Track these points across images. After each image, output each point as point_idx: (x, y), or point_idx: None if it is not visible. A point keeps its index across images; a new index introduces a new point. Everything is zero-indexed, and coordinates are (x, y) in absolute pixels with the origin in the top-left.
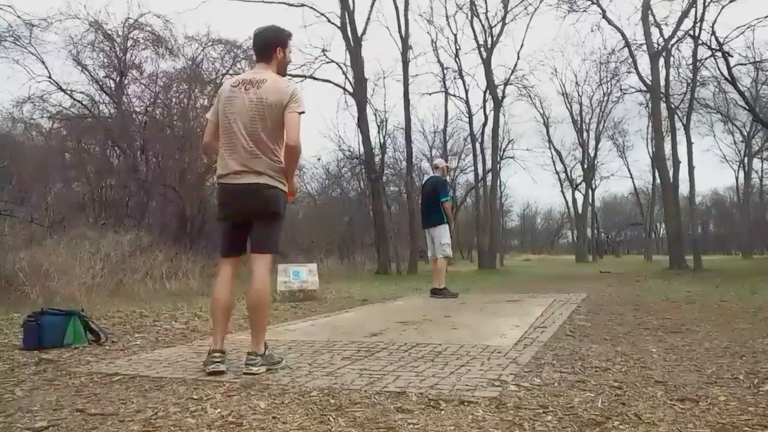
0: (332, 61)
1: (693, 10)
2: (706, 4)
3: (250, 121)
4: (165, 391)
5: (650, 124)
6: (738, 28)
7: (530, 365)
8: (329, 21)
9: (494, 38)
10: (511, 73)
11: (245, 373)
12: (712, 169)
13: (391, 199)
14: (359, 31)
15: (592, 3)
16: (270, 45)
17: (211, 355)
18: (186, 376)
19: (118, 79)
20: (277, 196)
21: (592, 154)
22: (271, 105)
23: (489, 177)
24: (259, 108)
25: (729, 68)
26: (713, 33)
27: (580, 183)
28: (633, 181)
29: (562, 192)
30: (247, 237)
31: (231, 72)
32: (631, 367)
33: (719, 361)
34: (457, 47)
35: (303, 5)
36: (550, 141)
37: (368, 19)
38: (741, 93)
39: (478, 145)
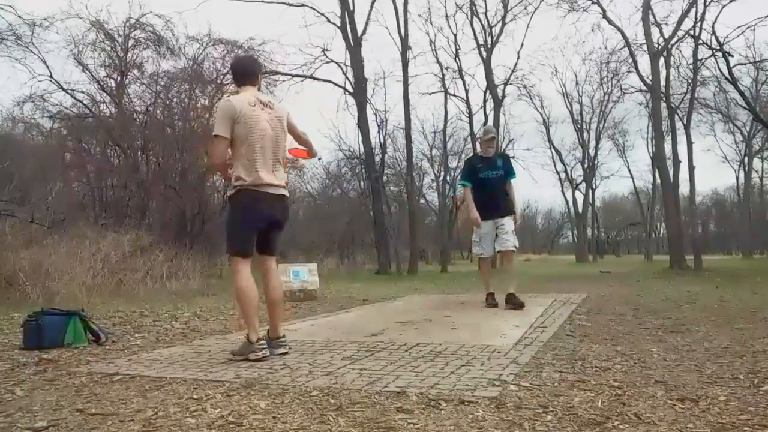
0: (332, 61)
1: (693, 10)
2: (707, 3)
3: (276, 138)
4: (165, 391)
5: (650, 123)
6: (738, 27)
7: (530, 365)
8: (329, 21)
9: (494, 38)
10: (511, 73)
11: (282, 353)
12: (712, 168)
13: (391, 199)
14: (359, 31)
15: (593, 2)
16: (258, 71)
17: (255, 344)
18: (186, 375)
19: (119, 78)
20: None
21: (592, 154)
22: (285, 122)
23: None
24: (281, 126)
25: (729, 68)
26: (713, 33)
27: (581, 183)
28: (633, 181)
29: (563, 192)
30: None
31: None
32: (631, 366)
33: (719, 361)
34: (457, 47)
35: (303, 5)
36: (550, 141)
37: (368, 19)
38: (741, 93)
39: (478, 145)
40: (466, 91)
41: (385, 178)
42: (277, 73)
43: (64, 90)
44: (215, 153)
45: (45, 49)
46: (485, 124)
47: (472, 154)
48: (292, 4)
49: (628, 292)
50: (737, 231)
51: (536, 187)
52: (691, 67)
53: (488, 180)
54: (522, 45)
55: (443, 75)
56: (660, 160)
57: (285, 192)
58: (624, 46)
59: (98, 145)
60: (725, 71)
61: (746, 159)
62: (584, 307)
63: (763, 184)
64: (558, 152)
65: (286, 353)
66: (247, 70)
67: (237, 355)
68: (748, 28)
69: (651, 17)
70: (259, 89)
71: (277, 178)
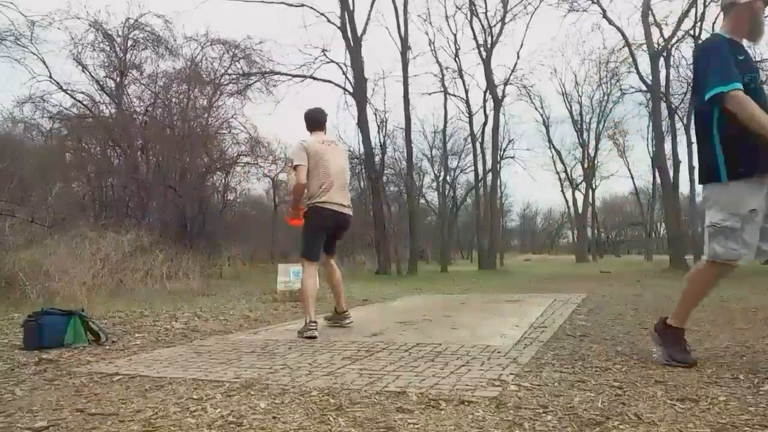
0: (332, 61)
1: (693, 10)
2: (706, 3)
3: (342, 168)
4: (165, 391)
5: (650, 124)
6: None
7: (530, 365)
8: (329, 21)
9: (494, 38)
10: (511, 73)
11: (348, 323)
12: None
13: (391, 199)
14: (359, 31)
15: (593, 2)
16: (325, 120)
17: (309, 324)
18: (186, 375)
19: (118, 79)
20: None
21: (592, 154)
22: (347, 156)
23: (489, 177)
24: (345, 159)
25: None
26: None
27: (581, 183)
28: (633, 181)
29: (563, 192)
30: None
31: (230, 71)
32: (631, 366)
33: (719, 361)
34: (457, 47)
35: (303, 5)
36: (550, 141)
37: (368, 19)
38: None
39: (478, 145)
40: (466, 91)
41: (385, 178)
42: (277, 73)
43: (63, 90)
44: (298, 177)
45: (44, 49)
46: (485, 123)
47: (716, 34)
48: (291, 5)
49: (628, 292)
50: None
51: (536, 187)
52: (690, 67)
53: (756, 93)
54: (522, 45)
55: (443, 75)
56: (660, 160)
57: (347, 211)
58: (624, 46)
59: (98, 145)
60: None
61: None
62: (584, 307)
63: None
64: (558, 152)
65: (351, 323)
66: (316, 120)
67: (299, 332)
68: None
69: (651, 17)
70: (325, 132)
71: (342, 198)
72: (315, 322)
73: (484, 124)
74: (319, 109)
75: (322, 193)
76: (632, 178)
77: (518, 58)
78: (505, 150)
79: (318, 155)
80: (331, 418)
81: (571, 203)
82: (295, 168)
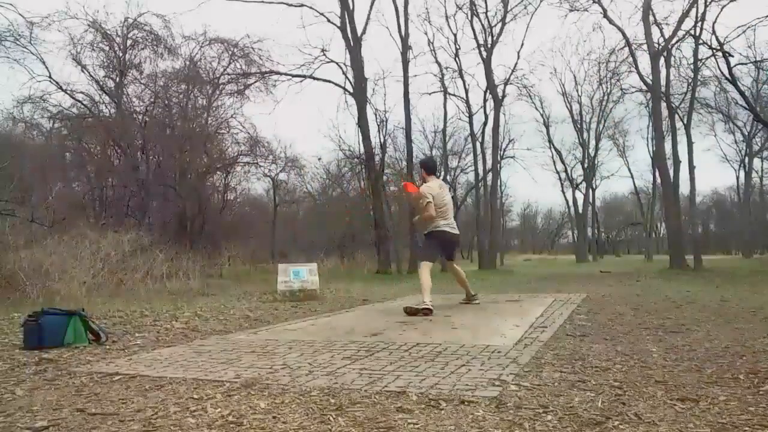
0: (332, 61)
1: (694, 10)
2: (707, 3)
3: (451, 205)
4: (165, 391)
5: (650, 123)
6: (738, 27)
7: (530, 365)
8: (329, 21)
9: (494, 38)
10: (512, 73)
11: (476, 303)
12: (712, 168)
13: (391, 199)
14: (359, 31)
15: (593, 2)
16: (437, 166)
17: (425, 305)
18: (186, 375)
19: (117, 78)
20: None
21: (592, 154)
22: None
23: (489, 176)
24: (451, 197)
25: (729, 68)
26: (714, 33)
27: (581, 183)
28: (633, 181)
29: (563, 192)
30: None
31: (229, 71)
32: (632, 366)
33: (719, 361)
34: (457, 47)
35: (302, 5)
36: (550, 141)
37: (368, 18)
38: (741, 92)
39: (478, 145)
40: (466, 91)
41: (385, 177)
42: (276, 73)
43: (63, 90)
44: (429, 209)
45: (43, 49)
46: (485, 122)
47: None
48: (291, 5)
49: (628, 292)
50: (737, 231)
51: (536, 187)
52: (691, 66)
53: None
54: (522, 45)
55: (443, 75)
56: (660, 160)
57: (456, 232)
58: (624, 46)
59: (98, 145)
60: (725, 71)
61: (746, 159)
62: (584, 307)
63: (763, 184)
64: (558, 152)
65: (478, 303)
66: (433, 167)
67: (412, 308)
68: (748, 27)
69: (651, 17)
70: (438, 176)
71: (452, 224)
72: (429, 306)
73: (484, 123)
74: (433, 158)
75: (441, 222)
76: (632, 177)
77: (518, 57)
78: (505, 150)
79: (439, 195)
80: (331, 418)
81: (571, 203)
82: (427, 204)
